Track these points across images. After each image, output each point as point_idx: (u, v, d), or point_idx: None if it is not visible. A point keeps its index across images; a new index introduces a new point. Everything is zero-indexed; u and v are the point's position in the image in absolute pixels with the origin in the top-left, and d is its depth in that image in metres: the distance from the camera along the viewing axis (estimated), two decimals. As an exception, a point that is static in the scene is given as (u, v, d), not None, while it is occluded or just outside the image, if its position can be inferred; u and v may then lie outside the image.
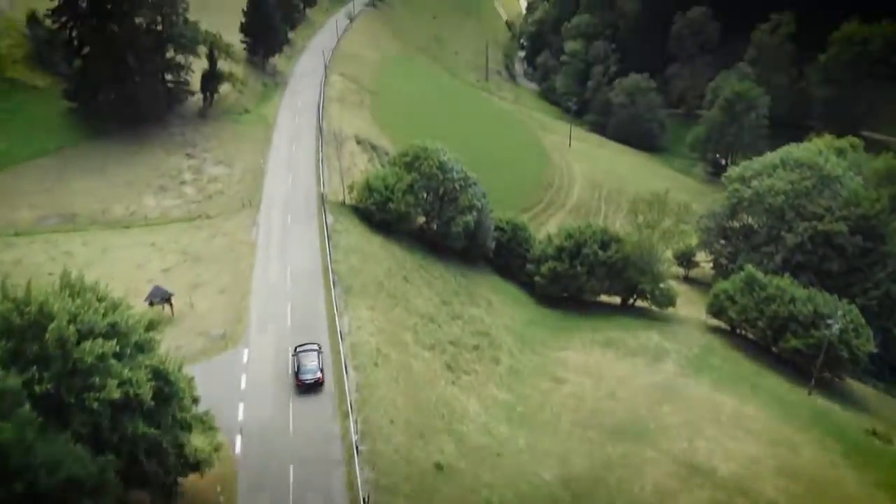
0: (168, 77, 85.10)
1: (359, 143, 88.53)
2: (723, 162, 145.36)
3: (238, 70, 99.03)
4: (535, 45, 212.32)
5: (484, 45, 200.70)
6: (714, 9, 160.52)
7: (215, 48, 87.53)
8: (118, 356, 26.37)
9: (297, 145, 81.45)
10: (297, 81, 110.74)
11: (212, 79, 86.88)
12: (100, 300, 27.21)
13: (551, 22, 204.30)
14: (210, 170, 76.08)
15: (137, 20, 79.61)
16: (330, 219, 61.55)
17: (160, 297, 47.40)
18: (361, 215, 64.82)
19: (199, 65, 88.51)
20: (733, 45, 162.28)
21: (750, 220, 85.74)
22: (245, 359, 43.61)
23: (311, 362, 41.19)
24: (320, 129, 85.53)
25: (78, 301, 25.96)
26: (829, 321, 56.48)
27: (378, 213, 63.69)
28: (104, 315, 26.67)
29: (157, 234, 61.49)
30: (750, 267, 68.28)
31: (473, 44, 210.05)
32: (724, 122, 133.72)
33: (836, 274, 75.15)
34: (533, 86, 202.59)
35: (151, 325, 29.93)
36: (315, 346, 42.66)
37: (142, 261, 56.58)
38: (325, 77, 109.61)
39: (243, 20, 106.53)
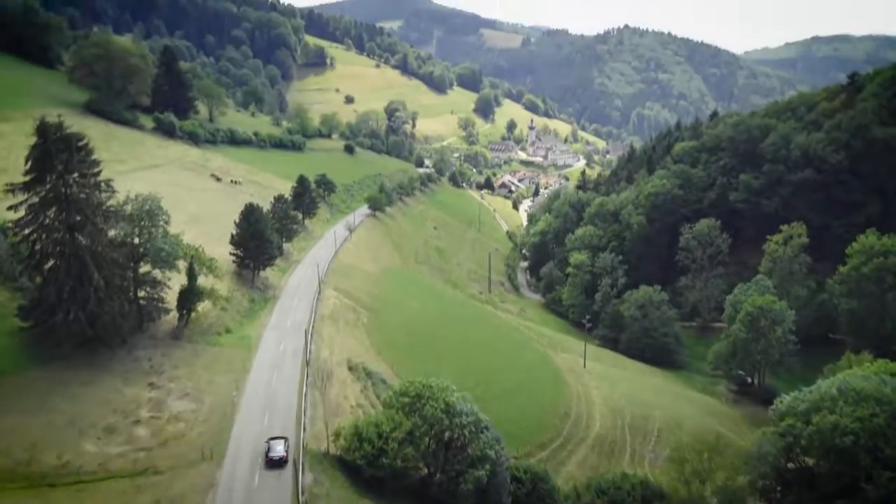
0: (140, 294, 76.11)
1: (351, 369, 77.58)
2: (749, 380, 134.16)
3: (222, 286, 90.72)
4: (539, 256, 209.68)
5: (486, 256, 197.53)
6: (722, 220, 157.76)
7: (196, 263, 79.39)
8: None
9: (278, 375, 70.29)
10: (288, 297, 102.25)
11: (190, 296, 77.75)
12: None
13: (554, 233, 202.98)
14: (173, 404, 64.19)
15: (111, 234, 72.10)
16: (309, 478, 48.86)
17: None
18: (349, 470, 52.18)
19: (178, 279, 79.96)
20: (745, 256, 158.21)
21: (810, 462, 72.74)
22: None
23: (278, 446, 54.84)
24: (307, 357, 74.95)
25: None
26: None
27: (369, 468, 51.07)
28: None
29: (86, 496, 48.33)
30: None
31: (475, 254, 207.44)
32: (748, 338, 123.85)
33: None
34: (537, 297, 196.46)
35: None
36: (284, 437, 56.64)
37: (55, 541, 43.08)
38: (319, 293, 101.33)
39: (234, 231, 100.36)
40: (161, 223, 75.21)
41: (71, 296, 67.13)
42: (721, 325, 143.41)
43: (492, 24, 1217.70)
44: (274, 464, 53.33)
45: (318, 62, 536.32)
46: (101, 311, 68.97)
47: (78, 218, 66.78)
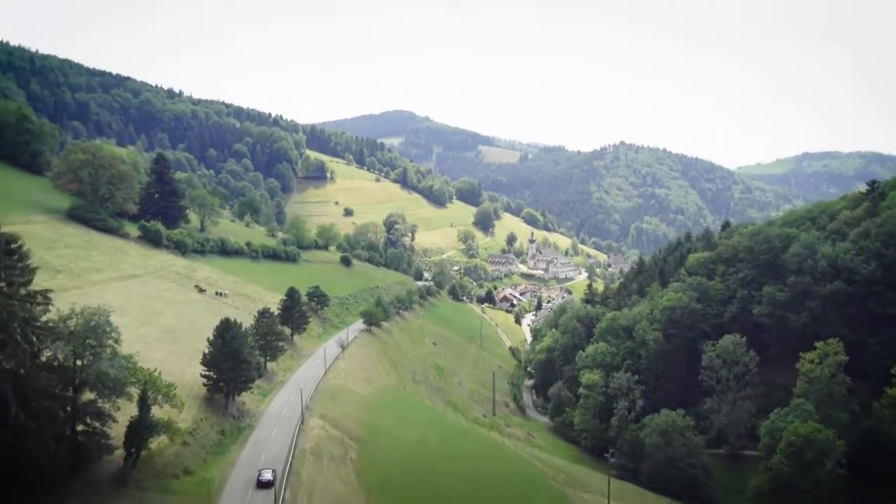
0: (79, 427, 62.75)
1: (333, 522, 63.16)
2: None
3: (187, 415, 77.20)
4: (545, 375, 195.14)
5: (488, 374, 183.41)
6: (746, 336, 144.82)
7: (149, 391, 66.28)
8: None
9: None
10: (267, 426, 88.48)
11: (140, 431, 64.24)
12: None
13: (561, 350, 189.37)
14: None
15: (46, 355, 59.75)
16: None
17: None
18: None
19: (130, 409, 66.59)
20: (773, 375, 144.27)
21: None
22: None
23: (267, 472, 69.20)
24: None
25: None
26: None
27: None
28: None
29: None
30: None
31: (477, 372, 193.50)
32: (792, 472, 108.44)
33: None
34: (545, 419, 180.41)
35: None
36: (271, 468, 70.62)
37: None
38: (302, 422, 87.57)
39: (206, 350, 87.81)
40: (109, 342, 62.93)
41: (-16, 432, 54.01)
42: (752, 452, 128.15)
43: (490, 141, 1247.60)
44: (263, 485, 67.04)
45: (319, 175, 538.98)
46: (23, 449, 55.56)
47: (1, 336, 54.63)
